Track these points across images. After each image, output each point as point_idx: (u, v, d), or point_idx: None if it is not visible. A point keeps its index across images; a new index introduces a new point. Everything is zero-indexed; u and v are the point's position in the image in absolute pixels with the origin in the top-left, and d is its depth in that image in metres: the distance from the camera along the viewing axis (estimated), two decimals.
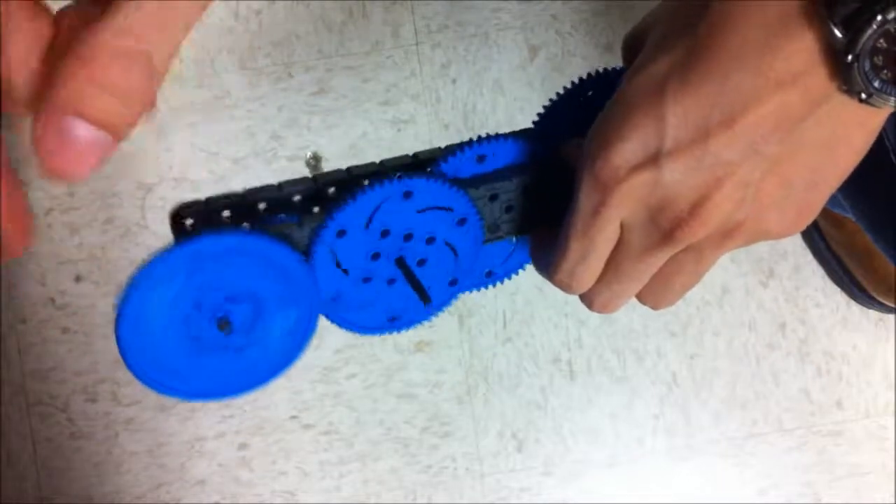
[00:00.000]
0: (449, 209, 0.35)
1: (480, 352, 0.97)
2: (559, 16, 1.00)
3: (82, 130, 0.24)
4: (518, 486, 0.97)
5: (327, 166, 0.99)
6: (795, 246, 0.99)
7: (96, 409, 0.96)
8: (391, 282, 0.36)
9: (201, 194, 0.34)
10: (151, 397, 0.96)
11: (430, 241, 0.36)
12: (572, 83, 0.38)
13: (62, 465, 0.96)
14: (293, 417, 0.97)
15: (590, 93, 0.38)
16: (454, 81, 0.99)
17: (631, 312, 0.98)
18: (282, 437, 0.97)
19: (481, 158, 0.36)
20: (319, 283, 0.34)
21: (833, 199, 0.89)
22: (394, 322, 0.37)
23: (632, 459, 0.97)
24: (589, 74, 0.38)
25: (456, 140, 0.37)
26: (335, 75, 0.99)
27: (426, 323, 0.38)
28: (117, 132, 0.25)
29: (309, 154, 0.96)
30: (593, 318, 0.98)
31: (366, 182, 0.34)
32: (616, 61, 0.37)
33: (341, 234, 0.34)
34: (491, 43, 1.00)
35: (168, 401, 0.96)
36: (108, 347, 0.96)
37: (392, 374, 0.97)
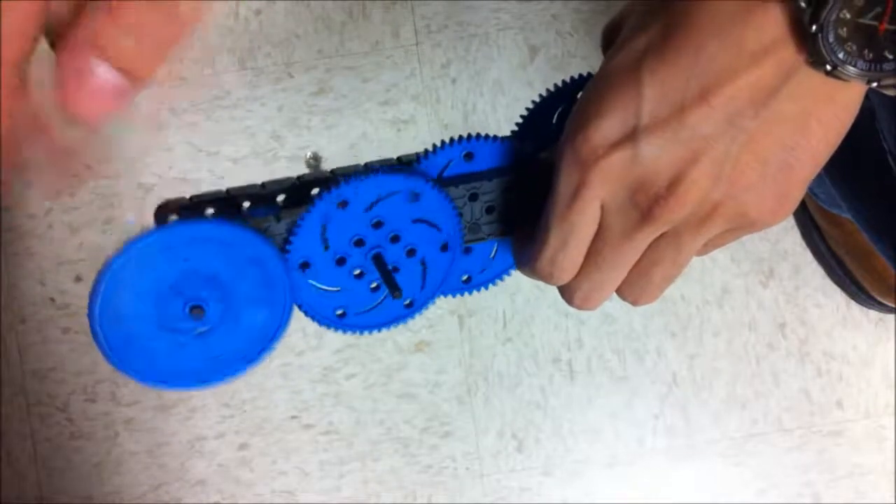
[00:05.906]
0: (438, 228, 0.36)
1: (480, 352, 0.97)
2: (559, 16, 1.00)
3: (102, 71, 0.24)
4: (518, 486, 0.97)
5: (327, 166, 0.98)
6: (795, 246, 0.99)
7: (96, 409, 0.96)
8: (359, 275, 0.36)
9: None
10: (151, 397, 0.96)
11: (411, 253, 0.36)
12: (548, 90, 0.38)
13: (62, 465, 0.96)
14: (293, 417, 0.97)
15: (571, 96, 0.39)
16: (454, 81, 0.99)
17: (631, 312, 0.98)
18: (282, 437, 0.97)
19: (469, 156, 0.36)
20: (298, 243, 0.34)
21: (831, 199, 0.89)
22: (341, 319, 0.37)
23: (632, 459, 0.97)
24: (570, 79, 0.38)
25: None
26: (335, 75, 0.99)
27: (402, 326, 0.38)
28: (136, 78, 0.25)
29: (309, 154, 0.97)
30: (593, 318, 0.98)
31: (389, 167, 0.34)
32: None
33: (343, 204, 0.34)
34: (491, 43, 1.00)
35: (168, 401, 0.96)
36: None
37: (392, 374, 0.97)
